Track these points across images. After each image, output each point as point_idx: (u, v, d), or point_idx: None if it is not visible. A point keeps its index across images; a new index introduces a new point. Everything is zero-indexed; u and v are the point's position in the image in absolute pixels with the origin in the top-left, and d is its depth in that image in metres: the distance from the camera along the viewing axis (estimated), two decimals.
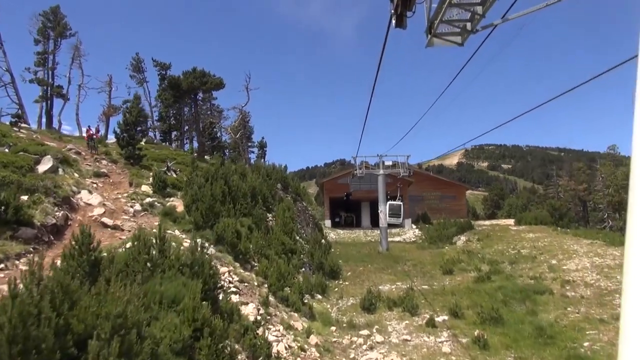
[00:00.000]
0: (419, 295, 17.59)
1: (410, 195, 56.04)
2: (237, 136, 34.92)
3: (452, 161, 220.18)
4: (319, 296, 17.13)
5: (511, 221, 48.15)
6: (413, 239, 46.15)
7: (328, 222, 52.42)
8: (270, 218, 22.10)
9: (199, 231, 15.33)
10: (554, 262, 21.29)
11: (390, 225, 34.75)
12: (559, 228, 32.97)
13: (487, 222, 48.62)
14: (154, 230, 14.32)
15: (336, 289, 19.08)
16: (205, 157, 35.16)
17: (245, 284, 13.50)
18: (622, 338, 1.25)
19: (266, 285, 14.41)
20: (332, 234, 49.08)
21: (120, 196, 16.51)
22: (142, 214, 15.71)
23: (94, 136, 23.63)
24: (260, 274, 14.70)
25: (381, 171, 33.23)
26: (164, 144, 39.84)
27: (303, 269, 19.39)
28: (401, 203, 33.51)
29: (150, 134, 39.03)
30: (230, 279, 13.21)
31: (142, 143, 31.36)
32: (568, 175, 48.57)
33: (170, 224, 15.36)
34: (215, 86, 28.92)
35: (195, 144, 45.01)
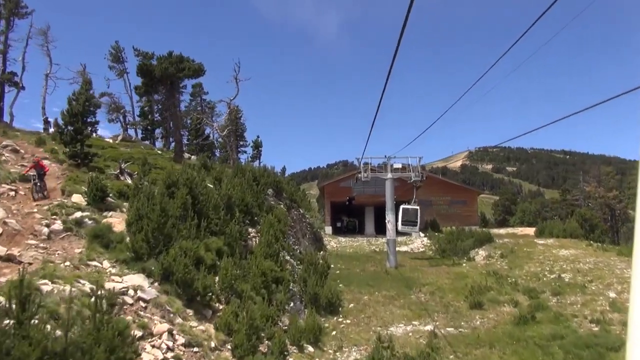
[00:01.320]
0: (444, 345, 12.87)
1: (418, 200, 51.28)
2: (225, 133, 30.32)
3: (456, 163, 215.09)
4: (310, 348, 12.43)
5: (529, 230, 43.32)
6: (422, 249, 41.57)
7: (329, 229, 47.78)
8: (253, 234, 17.44)
9: (139, 262, 10.68)
10: (611, 294, 16.55)
11: (399, 233, 29.91)
12: (594, 243, 28.20)
13: (503, 231, 43.80)
14: (67, 264, 9.73)
15: (334, 332, 14.37)
16: (192, 157, 30.60)
17: (195, 350, 8.84)
18: (629, 344, 1.09)
19: (229, 346, 9.74)
20: (333, 242, 44.59)
21: (36, 210, 11.88)
22: (62, 235, 11.07)
23: (45, 169, 14.14)
24: (222, 327, 10.02)
25: (389, 175, 28.53)
26: (146, 142, 35.30)
27: (291, 304, 14.72)
28: (417, 207, 28.04)
29: (130, 131, 34.50)
30: (171, 343, 8.55)
31: (113, 141, 26.81)
32: (596, 181, 43.67)
33: (99, 251, 10.73)
34: (194, 73, 24.32)
35: (190, 143, 40.44)
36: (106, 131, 35.39)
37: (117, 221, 12.10)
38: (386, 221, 28.29)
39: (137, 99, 38.81)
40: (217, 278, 12.00)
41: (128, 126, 33.77)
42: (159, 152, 26.39)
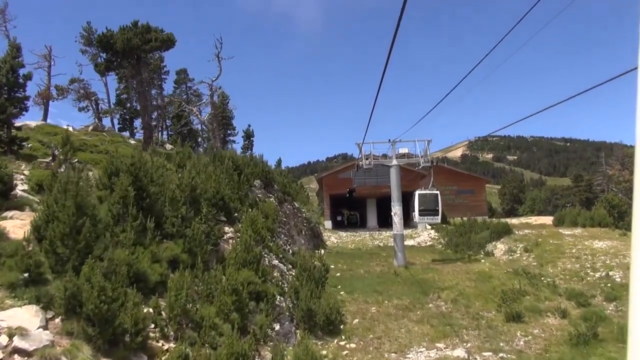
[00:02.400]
0: None
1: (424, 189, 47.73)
2: (206, 118, 26.56)
3: (456, 153, 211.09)
4: None
5: (545, 219, 39.68)
6: (429, 243, 38.07)
7: (328, 223, 44.13)
8: (230, 234, 13.76)
9: (36, 286, 7.00)
10: None
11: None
12: (628, 232, 24.54)
13: (515, 221, 40.11)
14: None
15: None
16: (171, 147, 26.88)
17: None
18: (630, 335, 1.05)
19: None
20: (333, 237, 41.08)
21: None
22: None
23: None
24: None
25: (394, 161, 24.80)
26: (125, 133, 31.50)
27: (277, 326, 11.06)
28: (437, 192, 23.46)
29: (106, 121, 30.69)
30: None
31: (81, 132, 23.07)
32: (619, 164, 39.90)
33: None
34: (162, 44, 20.33)
35: (165, 134, 36.63)
36: (78, 121, 31.41)
37: (18, 224, 8.40)
38: (392, 213, 24.63)
39: (115, 86, 34.91)
40: (163, 303, 8.32)
41: (102, 115, 29.99)
42: (132, 141, 22.70)
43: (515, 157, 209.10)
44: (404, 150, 25.16)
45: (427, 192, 23.35)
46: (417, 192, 23.45)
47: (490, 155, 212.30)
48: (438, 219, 24.28)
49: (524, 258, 21.71)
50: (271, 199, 20.94)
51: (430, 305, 14.84)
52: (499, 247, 25.49)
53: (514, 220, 40.82)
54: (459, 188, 49.66)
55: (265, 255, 14.39)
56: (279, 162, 54.14)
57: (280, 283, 13.05)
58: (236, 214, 15.32)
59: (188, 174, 11.73)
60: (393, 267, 22.72)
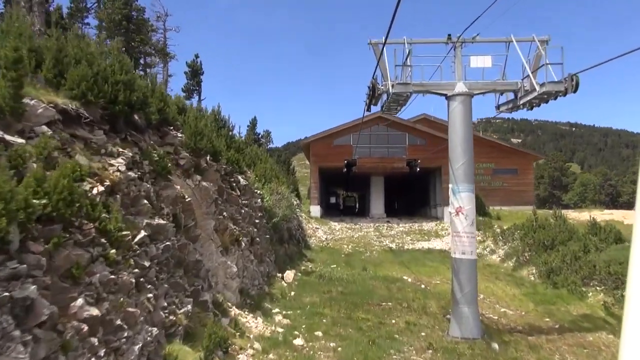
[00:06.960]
0: None
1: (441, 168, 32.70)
2: None
3: None
4: None
5: None
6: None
7: (316, 209, 29.69)
8: None
9: None
10: None
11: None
12: None
13: (585, 216, 25.53)
14: None
15: None
16: None
17: None
18: (624, 336, 1.02)
19: None
20: (321, 231, 26.95)
21: None
22: None
23: None
24: None
25: (460, 85, 10.02)
26: None
27: None
28: None
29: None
30: None
31: None
32: None
33: None
34: None
35: None
36: None
37: None
38: (451, 209, 10.00)
39: None
40: None
41: None
42: None
43: (520, 140, 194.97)
44: (482, 61, 10.23)
45: None
46: None
47: (494, 137, 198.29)
48: None
49: None
50: (145, 172, 6.13)
51: None
52: None
53: (576, 215, 26.49)
54: (497, 166, 35.01)
55: None
56: (254, 121, 39.30)
57: None
58: None
59: None
60: (450, 342, 8.46)
